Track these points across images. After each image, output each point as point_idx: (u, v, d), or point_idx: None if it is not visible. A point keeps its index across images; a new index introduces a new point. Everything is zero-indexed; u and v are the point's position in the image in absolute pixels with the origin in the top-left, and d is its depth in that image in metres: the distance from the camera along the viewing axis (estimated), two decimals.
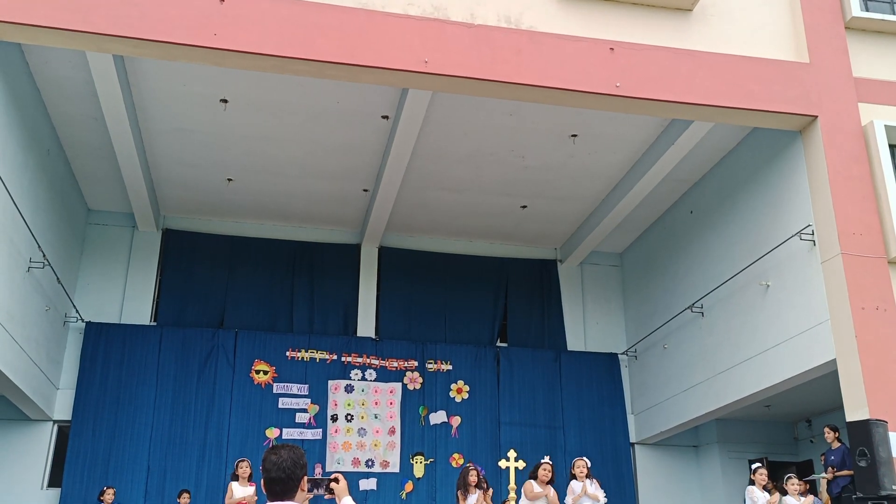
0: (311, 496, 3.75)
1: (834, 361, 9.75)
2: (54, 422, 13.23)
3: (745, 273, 11.76)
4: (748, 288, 11.75)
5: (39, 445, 13.05)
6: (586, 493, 10.00)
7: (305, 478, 3.30)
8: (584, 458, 10.36)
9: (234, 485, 10.12)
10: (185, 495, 11.60)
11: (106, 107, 10.87)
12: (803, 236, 10.43)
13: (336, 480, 3.67)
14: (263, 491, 3.31)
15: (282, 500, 3.21)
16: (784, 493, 9.85)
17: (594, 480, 10.18)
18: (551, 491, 9.82)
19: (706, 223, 13.20)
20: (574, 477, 10.17)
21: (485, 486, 10.07)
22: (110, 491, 11.59)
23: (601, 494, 10.08)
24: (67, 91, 11.16)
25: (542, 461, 9.90)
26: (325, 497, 3.76)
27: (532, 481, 9.75)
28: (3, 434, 12.83)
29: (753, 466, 9.93)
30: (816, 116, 10.40)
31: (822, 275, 10.08)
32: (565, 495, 10.24)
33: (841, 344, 9.60)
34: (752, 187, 11.91)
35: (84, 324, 13.69)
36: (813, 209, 10.38)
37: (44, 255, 11.41)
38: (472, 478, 9.91)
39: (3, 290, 10.16)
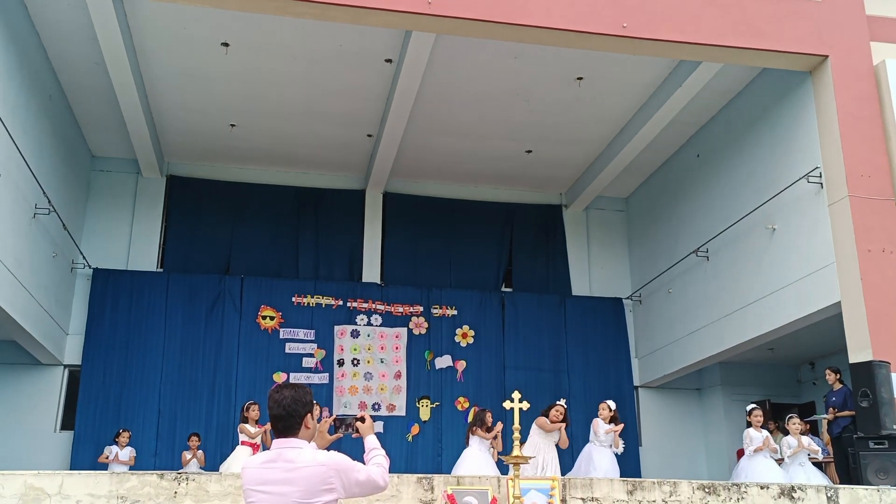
0: (339, 437, 3.80)
1: (839, 304, 9.77)
2: (65, 366, 13.43)
3: (751, 216, 11.71)
4: (754, 231, 11.73)
5: (51, 389, 13.27)
6: (598, 436, 10.10)
7: (310, 416, 3.33)
8: (609, 402, 10.39)
9: (247, 425, 10.35)
10: (195, 438, 11.79)
11: (106, 50, 10.75)
12: (811, 179, 10.35)
13: (362, 419, 3.71)
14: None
15: (285, 436, 3.26)
16: (785, 432, 9.96)
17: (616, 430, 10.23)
18: (562, 428, 9.95)
19: (712, 167, 13.11)
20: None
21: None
22: (125, 434, 11.79)
23: (621, 443, 10.18)
24: (67, 35, 11.03)
25: (557, 403, 10.01)
26: (353, 436, 3.80)
27: (545, 418, 9.86)
28: (15, 378, 13.04)
29: (748, 408, 10.01)
30: (827, 56, 10.23)
31: (828, 217, 10.04)
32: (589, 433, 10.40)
33: (846, 286, 9.62)
34: (760, 130, 11.78)
35: (91, 270, 13.77)
36: (821, 151, 10.28)
37: (49, 202, 11.42)
38: (490, 418, 10.11)
39: (11, 235, 10.21)
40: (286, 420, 3.25)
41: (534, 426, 9.92)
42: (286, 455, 3.20)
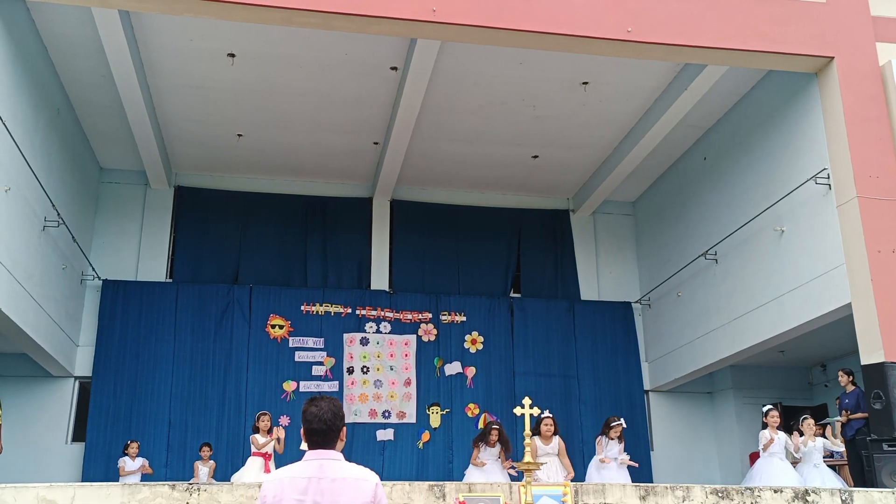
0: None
1: (849, 305, 9.72)
2: (76, 378, 13.47)
3: (759, 219, 11.68)
4: (762, 233, 11.69)
5: (62, 401, 13.32)
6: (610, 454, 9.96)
7: (345, 429, 3.41)
8: (621, 420, 10.27)
9: (257, 436, 10.33)
10: (206, 448, 11.80)
11: (114, 64, 10.81)
12: (818, 180, 10.32)
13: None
14: (303, 440, 3.42)
15: (323, 448, 3.32)
16: (800, 433, 9.92)
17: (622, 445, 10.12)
18: (553, 441, 9.81)
19: (720, 169, 13.08)
20: (607, 435, 10.12)
21: (506, 445, 10.10)
22: (134, 445, 11.81)
23: (627, 457, 10.05)
24: (74, 49, 11.10)
25: (543, 416, 9.63)
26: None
27: (536, 438, 9.59)
28: (27, 391, 13.07)
29: (765, 409, 9.96)
30: (833, 57, 10.20)
31: (837, 219, 10.00)
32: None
33: (856, 287, 9.57)
34: (767, 132, 11.76)
35: (101, 282, 13.83)
36: (829, 152, 10.25)
37: (58, 214, 11.48)
38: (493, 437, 10.00)
39: (21, 249, 10.26)
40: (326, 434, 3.32)
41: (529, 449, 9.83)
42: (328, 467, 3.26)
